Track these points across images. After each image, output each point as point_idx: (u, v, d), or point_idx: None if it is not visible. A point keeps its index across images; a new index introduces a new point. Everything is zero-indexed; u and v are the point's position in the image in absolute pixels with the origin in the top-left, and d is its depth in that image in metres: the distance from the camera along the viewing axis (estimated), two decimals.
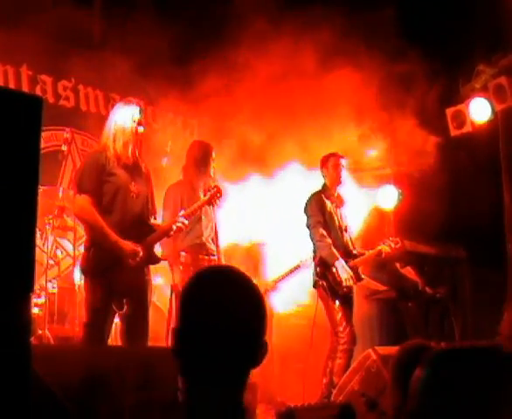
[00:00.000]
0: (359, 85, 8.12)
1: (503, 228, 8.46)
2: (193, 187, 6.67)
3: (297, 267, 7.85)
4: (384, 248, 7.25)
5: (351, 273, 6.91)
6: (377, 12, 8.13)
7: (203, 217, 6.59)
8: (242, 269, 7.30)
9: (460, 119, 8.75)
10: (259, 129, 8.85)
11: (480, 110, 8.54)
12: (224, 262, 7.01)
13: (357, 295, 7.43)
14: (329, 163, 7.23)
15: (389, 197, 9.12)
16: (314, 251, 7.08)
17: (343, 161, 7.28)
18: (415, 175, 8.80)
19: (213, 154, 6.77)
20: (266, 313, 2.16)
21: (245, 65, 8.62)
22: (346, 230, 7.30)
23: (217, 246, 6.74)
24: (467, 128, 8.75)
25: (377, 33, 8.13)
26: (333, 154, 7.29)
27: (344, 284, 6.83)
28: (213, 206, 6.45)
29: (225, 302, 2.07)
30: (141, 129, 5.49)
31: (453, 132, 8.86)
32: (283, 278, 8.13)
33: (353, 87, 8.14)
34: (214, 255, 6.65)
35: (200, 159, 6.74)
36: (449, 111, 8.87)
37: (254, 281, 6.95)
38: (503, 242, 8.42)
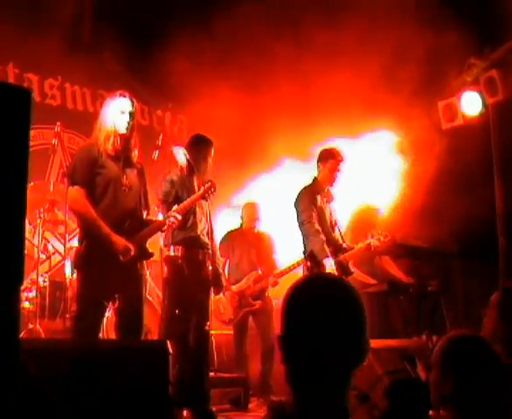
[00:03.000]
0: (349, 81, 8.10)
1: (495, 221, 8.47)
2: (188, 181, 6.60)
3: (301, 262, 7.71)
4: (373, 241, 7.25)
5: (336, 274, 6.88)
6: None
7: (197, 210, 6.55)
8: (248, 255, 7.16)
9: (452, 112, 8.77)
10: (247, 123, 8.88)
11: (471, 103, 8.55)
12: (218, 255, 7.00)
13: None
14: (328, 163, 7.16)
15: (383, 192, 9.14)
16: (305, 246, 7.05)
17: (342, 166, 7.23)
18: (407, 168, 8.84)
19: (212, 152, 6.70)
20: (366, 315, 2.20)
21: (233, 58, 8.63)
22: (336, 225, 7.29)
23: (211, 240, 6.72)
24: (458, 122, 8.77)
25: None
26: (334, 156, 7.20)
27: None
28: (207, 200, 6.42)
29: (332, 305, 2.12)
30: (125, 117, 5.39)
31: (445, 125, 8.87)
32: (286, 272, 8.08)
33: (343, 84, 8.12)
34: (208, 248, 6.62)
35: (199, 155, 6.67)
36: (440, 104, 8.88)
37: (260, 270, 6.86)
38: (495, 235, 8.43)
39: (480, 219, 8.27)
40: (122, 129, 5.41)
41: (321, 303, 2.12)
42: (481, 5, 7.87)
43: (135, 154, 5.59)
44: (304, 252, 7.05)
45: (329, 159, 7.17)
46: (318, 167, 7.24)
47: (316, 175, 7.26)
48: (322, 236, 6.91)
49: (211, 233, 6.76)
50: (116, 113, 5.42)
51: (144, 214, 5.68)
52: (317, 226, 6.93)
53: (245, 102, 9.02)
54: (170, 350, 4.24)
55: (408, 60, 7.93)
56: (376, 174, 9.23)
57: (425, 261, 8.54)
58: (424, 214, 8.45)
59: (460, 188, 8.18)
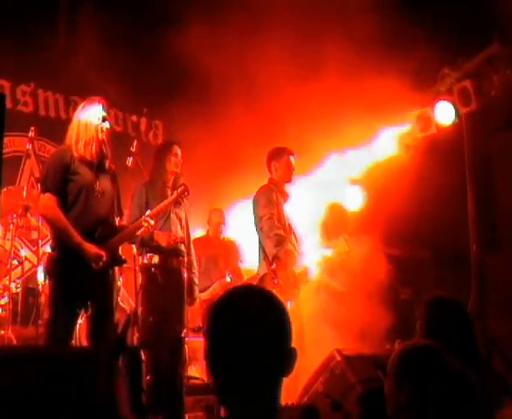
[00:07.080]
0: (323, 93, 8.12)
1: (468, 228, 8.52)
2: (160, 186, 6.57)
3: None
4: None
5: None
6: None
7: (172, 216, 6.51)
8: (216, 262, 7.03)
9: (425, 122, 8.84)
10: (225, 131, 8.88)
11: (444, 113, 8.61)
12: (194, 261, 6.95)
13: (321, 295, 7.40)
14: (283, 159, 6.95)
15: (354, 198, 9.19)
16: (262, 246, 6.81)
17: (293, 159, 7.03)
18: (380, 176, 8.89)
19: (177, 151, 6.63)
20: (290, 320, 2.18)
21: (210, 66, 8.60)
22: (291, 228, 7.07)
23: (187, 247, 6.67)
24: (431, 131, 8.84)
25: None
26: (285, 150, 7.02)
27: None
28: (180, 204, 6.40)
29: (252, 312, 2.11)
30: (106, 125, 5.43)
31: (418, 134, 8.95)
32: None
33: (320, 93, 8.14)
34: (183, 255, 6.57)
35: (160, 161, 6.65)
36: (414, 114, 8.95)
37: (228, 277, 6.78)
38: (468, 242, 8.49)
39: (453, 227, 8.33)
40: (99, 134, 5.40)
41: (240, 316, 2.11)
42: (455, 16, 7.94)
43: (108, 157, 5.57)
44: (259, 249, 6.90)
45: (283, 155, 6.99)
46: (272, 166, 7.02)
47: (271, 175, 7.06)
48: (281, 231, 6.69)
49: (187, 240, 6.73)
50: (95, 119, 5.41)
51: (117, 220, 5.66)
52: (277, 223, 6.69)
53: (222, 107, 9.02)
54: (143, 357, 4.23)
55: (381, 70, 7.97)
56: (348, 182, 9.30)
57: (399, 269, 8.58)
58: (397, 222, 8.50)
59: (434, 195, 8.23)
